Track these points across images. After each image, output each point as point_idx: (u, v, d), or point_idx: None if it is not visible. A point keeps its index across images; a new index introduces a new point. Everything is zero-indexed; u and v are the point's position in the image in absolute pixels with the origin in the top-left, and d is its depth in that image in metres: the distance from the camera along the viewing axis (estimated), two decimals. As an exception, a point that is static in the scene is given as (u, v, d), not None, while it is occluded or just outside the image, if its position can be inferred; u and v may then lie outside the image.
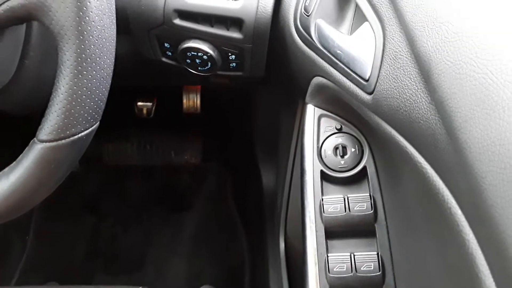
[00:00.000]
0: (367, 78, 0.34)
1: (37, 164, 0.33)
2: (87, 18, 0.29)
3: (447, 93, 0.23)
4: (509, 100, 0.20)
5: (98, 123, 0.35)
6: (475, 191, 0.20)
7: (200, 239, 1.03)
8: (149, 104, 1.08)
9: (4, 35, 0.38)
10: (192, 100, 1.10)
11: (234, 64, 0.55)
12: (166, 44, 0.53)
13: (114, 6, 0.32)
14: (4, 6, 0.31)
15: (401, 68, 0.30)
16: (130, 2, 0.50)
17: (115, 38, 0.33)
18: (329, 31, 0.41)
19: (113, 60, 0.33)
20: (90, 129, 0.34)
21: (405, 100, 0.29)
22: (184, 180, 1.17)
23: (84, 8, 0.29)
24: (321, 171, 0.44)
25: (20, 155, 0.34)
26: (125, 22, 0.51)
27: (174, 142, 1.21)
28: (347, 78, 0.38)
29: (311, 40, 0.43)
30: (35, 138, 0.33)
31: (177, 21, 0.50)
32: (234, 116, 1.11)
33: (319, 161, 0.45)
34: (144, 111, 1.10)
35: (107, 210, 1.08)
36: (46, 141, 0.33)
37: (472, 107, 0.21)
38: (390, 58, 0.31)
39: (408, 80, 0.29)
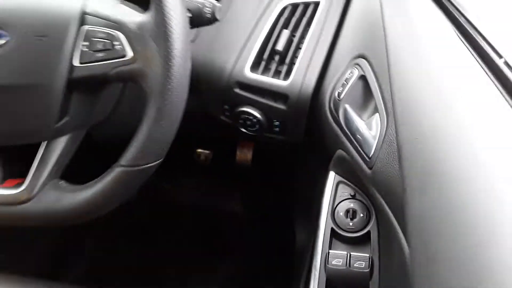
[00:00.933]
0: (370, 156, 0.43)
1: (115, 181, 0.45)
2: (169, 86, 0.42)
3: (407, 171, 0.31)
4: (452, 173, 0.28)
5: (162, 159, 0.47)
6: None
7: (229, 285, 1.10)
8: (207, 152, 1.22)
9: (108, 86, 0.53)
10: (245, 154, 1.22)
11: (277, 129, 0.66)
12: (225, 106, 0.66)
13: (188, 80, 0.45)
14: (117, 70, 0.45)
15: (392, 152, 0.38)
16: (203, 72, 0.63)
17: (185, 101, 0.45)
18: (352, 115, 0.51)
19: (181, 115, 0.46)
20: (155, 163, 0.46)
21: (390, 176, 0.37)
22: (225, 225, 1.26)
23: (169, 80, 0.42)
24: (332, 229, 0.52)
25: (104, 173, 0.46)
26: (196, 84, 0.65)
27: (222, 189, 1.32)
28: (359, 155, 0.47)
29: (338, 119, 0.53)
30: (117, 163, 0.46)
31: (237, 90, 0.62)
32: (280, 172, 1.20)
33: (331, 220, 0.53)
34: (202, 157, 1.23)
35: (150, 241, 1.19)
36: (124, 166, 0.45)
37: (423, 177, 0.29)
38: (386, 143, 0.40)
39: (393, 161, 0.37)
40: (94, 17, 0.45)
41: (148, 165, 0.45)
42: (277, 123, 0.65)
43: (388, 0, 0.54)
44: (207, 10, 0.50)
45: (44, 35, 0.45)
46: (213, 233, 1.24)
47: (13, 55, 0.45)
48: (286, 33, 0.61)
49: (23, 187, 0.49)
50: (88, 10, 0.45)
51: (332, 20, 0.61)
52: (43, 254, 1.04)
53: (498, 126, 0.31)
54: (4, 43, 0.45)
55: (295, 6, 0.62)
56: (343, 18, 0.62)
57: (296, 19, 0.62)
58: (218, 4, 0.52)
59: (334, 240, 0.52)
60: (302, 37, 0.61)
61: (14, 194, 0.49)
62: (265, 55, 0.61)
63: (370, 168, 0.43)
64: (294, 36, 0.61)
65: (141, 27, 0.43)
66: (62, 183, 0.50)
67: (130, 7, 0.49)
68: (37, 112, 0.47)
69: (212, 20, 0.51)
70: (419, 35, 0.45)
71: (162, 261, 1.13)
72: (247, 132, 0.68)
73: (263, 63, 0.61)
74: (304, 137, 0.67)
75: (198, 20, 0.50)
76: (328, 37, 0.60)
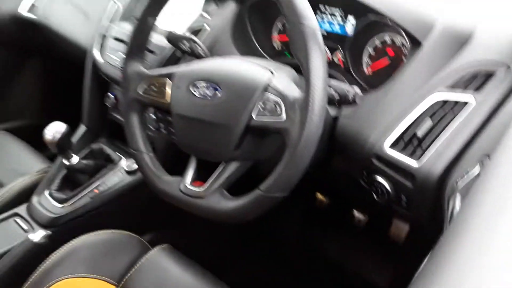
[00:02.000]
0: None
1: (253, 200, 0.64)
2: (301, 143, 0.59)
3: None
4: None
5: (287, 194, 0.63)
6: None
7: None
8: (362, 215, 1.29)
9: (269, 136, 0.73)
10: (399, 229, 1.23)
11: (404, 204, 0.73)
12: (364, 172, 0.77)
13: (316, 141, 0.60)
14: (275, 125, 0.65)
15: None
16: (352, 140, 0.77)
17: (312, 154, 0.60)
18: (458, 205, 0.55)
19: (308, 164, 0.61)
20: (280, 195, 0.62)
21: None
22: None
23: (301, 139, 0.59)
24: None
25: (248, 193, 0.66)
26: (344, 148, 0.79)
27: (371, 256, 1.35)
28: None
29: (449, 206, 0.58)
30: (257, 188, 0.64)
31: (374, 161, 0.73)
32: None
33: None
34: (356, 220, 1.32)
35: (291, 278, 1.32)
36: (261, 191, 0.64)
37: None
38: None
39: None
40: (272, 89, 0.66)
41: (276, 195, 0.63)
42: (404, 198, 0.72)
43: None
44: (350, 95, 0.65)
45: (240, 95, 0.68)
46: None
47: (221, 104, 0.70)
48: (429, 123, 0.69)
49: (203, 189, 0.73)
50: (270, 83, 0.67)
51: (476, 119, 0.65)
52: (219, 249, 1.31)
53: None
54: (220, 96, 0.71)
55: (444, 102, 0.70)
56: (490, 119, 0.65)
57: (443, 112, 0.69)
58: (359, 92, 0.66)
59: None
60: (443, 129, 0.68)
61: (196, 191, 0.73)
62: (406, 137, 0.70)
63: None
64: (436, 126, 0.69)
65: (295, 100, 0.62)
66: (225, 192, 0.72)
67: (299, 81, 0.69)
68: (223, 141, 0.70)
69: (353, 103, 0.66)
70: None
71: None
72: (378, 199, 0.77)
73: (402, 143, 0.71)
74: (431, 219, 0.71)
75: (342, 101, 0.66)
76: (467, 134, 0.65)
